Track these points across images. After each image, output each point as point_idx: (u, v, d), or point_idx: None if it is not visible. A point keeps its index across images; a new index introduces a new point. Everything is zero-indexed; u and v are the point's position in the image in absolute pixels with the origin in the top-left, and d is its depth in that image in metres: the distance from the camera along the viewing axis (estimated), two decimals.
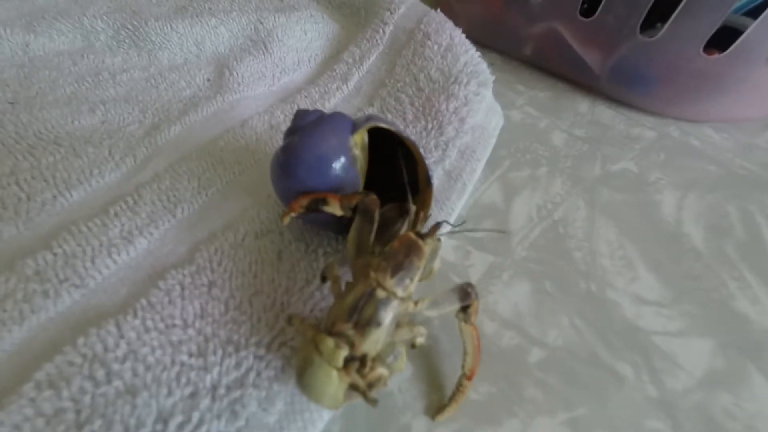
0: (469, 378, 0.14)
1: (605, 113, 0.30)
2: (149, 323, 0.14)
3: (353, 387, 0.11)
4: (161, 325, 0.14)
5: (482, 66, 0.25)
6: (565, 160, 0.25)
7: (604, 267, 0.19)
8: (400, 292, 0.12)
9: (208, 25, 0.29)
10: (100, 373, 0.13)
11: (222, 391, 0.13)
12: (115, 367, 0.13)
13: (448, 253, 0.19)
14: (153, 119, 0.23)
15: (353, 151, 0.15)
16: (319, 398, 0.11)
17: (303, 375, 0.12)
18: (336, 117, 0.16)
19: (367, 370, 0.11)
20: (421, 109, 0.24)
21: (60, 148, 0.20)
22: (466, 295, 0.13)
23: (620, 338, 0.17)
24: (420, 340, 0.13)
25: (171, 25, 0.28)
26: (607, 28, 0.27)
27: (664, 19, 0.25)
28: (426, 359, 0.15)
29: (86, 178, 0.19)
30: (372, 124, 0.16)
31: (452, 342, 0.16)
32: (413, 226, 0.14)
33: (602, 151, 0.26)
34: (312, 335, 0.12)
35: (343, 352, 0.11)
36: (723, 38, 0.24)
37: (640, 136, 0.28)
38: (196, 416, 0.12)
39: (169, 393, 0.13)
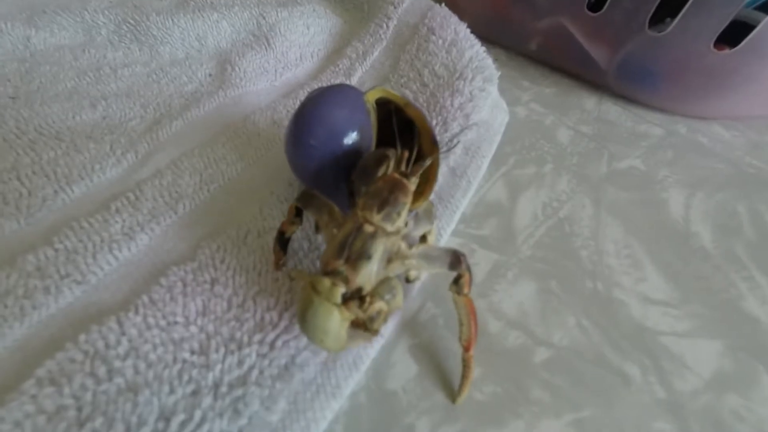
0: (467, 349, 0.14)
1: (612, 110, 0.29)
2: (151, 320, 0.14)
3: (355, 324, 0.12)
4: (163, 322, 0.14)
5: (488, 61, 0.25)
6: (571, 158, 0.25)
7: (611, 266, 0.19)
8: (388, 227, 0.13)
9: (209, 19, 0.28)
10: (102, 370, 0.13)
11: (224, 389, 0.13)
12: (117, 364, 0.13)
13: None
14: (154, 114, 0.23)
15: (367, 105, 0.16)
16: (323, 337, 0.12)
17: (305, 316, 0.12)
18: (343, 84, 0.17)
19: (366, 305, 0.12)
20: (425, 105, 0.23)
21: (61, 143, 0.20)
22: (456, 261, 0.13)
23: (627, 339, 0.16)
24: (414, 273, 0.13)
25: (172, 20, 0.28)
26: (615, 23, 0.27)
27: (673, 14, 0.24)
28: (430, 359, 0.15)
29: (87, 173, 0.19)
30: (380, 89, 0.16)
31: (457, 341, 0.16)
32: (397, 167, 0.14)
33: (609, 149, 0.26)
34: (308, 279, 0.12)
35: (340, 289, 0.12)
36: (734, 33, 0.23)
37: (647, 133, 0.28)
38: (198, 414, 0.12)
39: (171, 391, 0.13)
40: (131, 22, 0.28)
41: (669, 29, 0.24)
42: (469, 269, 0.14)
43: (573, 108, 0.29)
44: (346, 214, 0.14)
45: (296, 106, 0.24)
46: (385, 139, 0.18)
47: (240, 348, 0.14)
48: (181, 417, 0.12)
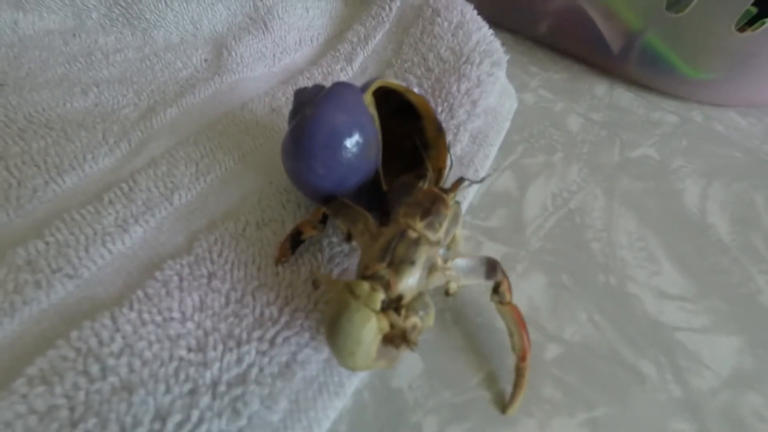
0: (523, 359, 0.13)
1: (624, 96, 0.28)
2: (146, 316, 0.14)
3: (388, 339, 0.11)
4: (158, 318, 0.14)
5: (495, 44, 0.24)
6: (581, 146, 0.24)
7: (624, 259, 0.18)
8: (431, 236, 0.12)
9: (204, 2, 0.27)
10: (95, 369, 0.12)
11: (222, 388, 0.12)
12: (111, 362, 0.12)
13: (462, 247, 0.18)
14: (148, 101, 0.22)
15: (369, 109, 0.15)
16: (355, 348, 0.11)
17: (338, 322, 0.11)
18: (341, 84, 0.15)
19: (402, 317, 0.11)
20: (430, 90, 0.22)
21: (51, 131, 0.19)
22: (492, 269, 0.13)
23: (642, 335, 0.16)
24: (453, 286, 0.13)
25: (166, 2, 0.26)
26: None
27: None
28: (438, 355, 0.15)
29: (79, 163, 0.19)
30: (378, 82, 0.15)
31: (465, 337, 0.15)
32: (435, 184, 0.14)
33: (621, 137, 0.25)
34: (345, 282, 0.11)
35: (380, 294, 0.11)
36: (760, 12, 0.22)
37: (661, 120, 0.27)
38: (195, 414, 0.12)
39: (167, 390, 0.12)
40: (122, 5, 0.26)
41: (689, 8, 0.23)
42: (505, 275, 0.13)
43: (583, 94, 0.28)
44: (380, 226, 0.13)
45: (294, 92, 0.23)
46: (390, 128, 0.17)
47: (239, 345, 0.13)
48: (177, 417, 0.12)
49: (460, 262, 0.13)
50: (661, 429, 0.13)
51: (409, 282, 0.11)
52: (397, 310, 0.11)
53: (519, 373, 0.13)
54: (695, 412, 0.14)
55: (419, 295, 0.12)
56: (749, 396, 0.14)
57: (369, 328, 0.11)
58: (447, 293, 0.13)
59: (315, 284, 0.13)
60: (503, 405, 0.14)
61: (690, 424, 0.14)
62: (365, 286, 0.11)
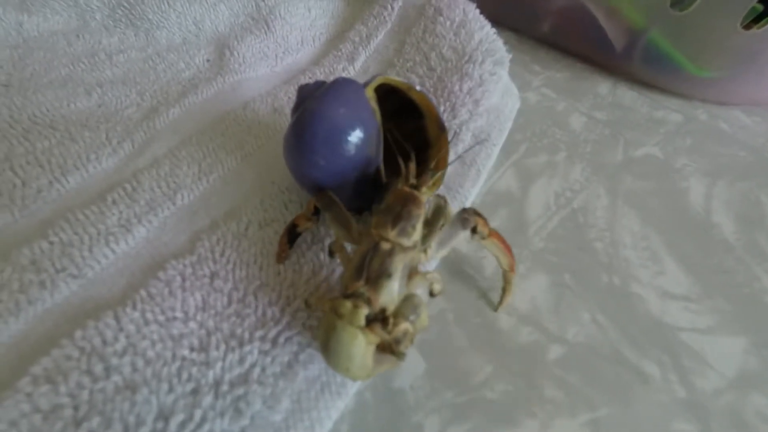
0: (512, 270, 0.15)
1: (627, 95, 0.28)
2: (149, 315, 0.14)
3: (381, 348, 0.11)
4: (161, 318, 0.14)
5: (498, 43, 0.24)
6: (584, 145, 0.24)
7: (628, 259, 0.18)
8: (405, 242, 0.12)
9: (207, 2, 0.27)
10: (99, 368, 0.12)
11: (225, 387, 0.12)
12: (114, 361, 0.13)
13: (460, 244, 0.18)
14: (151, 102, 0.22)
15: (371, 102, 0.15)
16: (348, 365, 0.11)
17: (328, 343, 0.11)
18: (343, 78, 0.15)
19: (390, 326, 0.11)
20: (432, 90, 0.22)
21: (55, 132, 0.20)
22: (465, 219, 0.13)
23: (645, 335, 0.16)
24: (437, 287, 0.13)
25: (168, 3, 0.27)
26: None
27: None
28: (439, 355, 0.15)
29: (83, 163, 0.19)
30: (381, 78, 0.15)
31: (467, 337, 0.15)
32: (406, 181, 0.14)
33: (624, 136, 0.25)
34: (329, 303, 0.12)
35: (363, 311, 0.11)
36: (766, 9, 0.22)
37: (664, 119, 0.26)
38: (198, 414, 0.12)
39: (170, 389, 0.12)
40: (126, 5, 0.26)
41: (693, 6, 0.23)
42: (477, 213, 0.14)
43: (586, 93, 0.28)
44: (361, 232, 0.14)
45: (297, 88, 0.23)
46: (393, 125, 0.17)
47: (241, 345, 0.13)
48: (180, 417, 0.12)
49: (438, 238, 0.13)
50: (665, 430, 0.13)
51: (389, 294, 0.12)
52: (385, 320, 0.11)
53: (507, 279, 0.15)
54: (699, 413, 0.14)
55: (407, 299, 0.12)
56: (754, 397, 0.14)
57: (357, 345, 0.11)
58: (431, 294, 0.13)
59: (307, 304, 0.13)
60: (494, 306, 0.16)
61: (693, 425, 0.13)
62: (347, 304, 0.11)
